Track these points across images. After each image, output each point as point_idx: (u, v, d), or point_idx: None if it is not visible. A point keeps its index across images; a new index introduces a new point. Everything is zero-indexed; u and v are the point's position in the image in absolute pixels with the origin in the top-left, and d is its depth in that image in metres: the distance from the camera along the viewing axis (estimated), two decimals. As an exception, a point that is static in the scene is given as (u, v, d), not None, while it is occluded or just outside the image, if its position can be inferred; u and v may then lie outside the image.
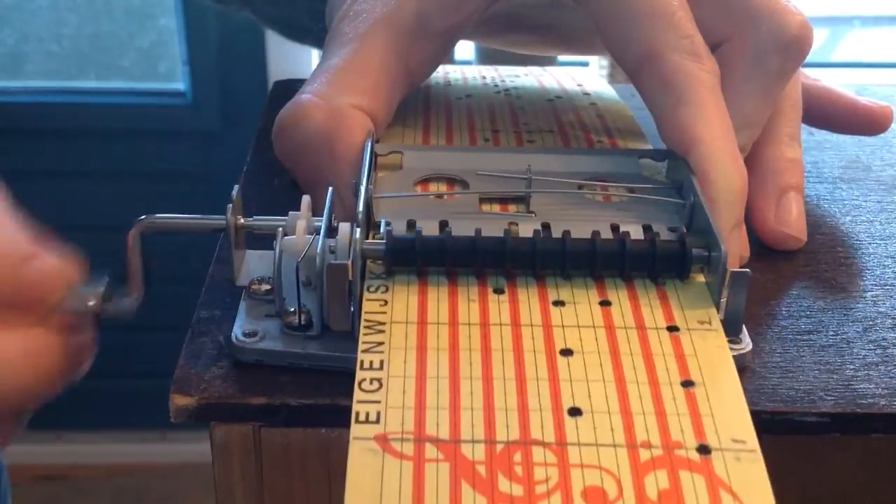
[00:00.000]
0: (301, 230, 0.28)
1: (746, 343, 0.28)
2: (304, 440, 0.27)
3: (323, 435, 0.27)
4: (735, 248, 0.30)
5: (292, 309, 0.28)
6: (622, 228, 0.30)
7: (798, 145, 0.37)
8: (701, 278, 0.29)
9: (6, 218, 0.28)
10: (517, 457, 0.22)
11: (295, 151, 0.33)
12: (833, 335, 0.30)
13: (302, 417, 0.27)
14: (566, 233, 0.28)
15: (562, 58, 1.16)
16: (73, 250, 0.29)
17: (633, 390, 0.24)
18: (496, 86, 0.43)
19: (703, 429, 0.23)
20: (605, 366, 0.25)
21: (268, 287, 0.30)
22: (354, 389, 0.24)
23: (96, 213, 1.32)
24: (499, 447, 0.23)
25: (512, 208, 0.31)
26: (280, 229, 0.28)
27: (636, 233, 0.30)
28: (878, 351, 0.30)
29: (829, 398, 0.28)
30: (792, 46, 0.34)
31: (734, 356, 0.27)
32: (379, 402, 0.24)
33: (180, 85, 1.44)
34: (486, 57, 1.15)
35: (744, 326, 0.28)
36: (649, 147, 0.37)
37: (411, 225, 0.30)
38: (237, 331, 0.28)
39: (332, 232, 0.28)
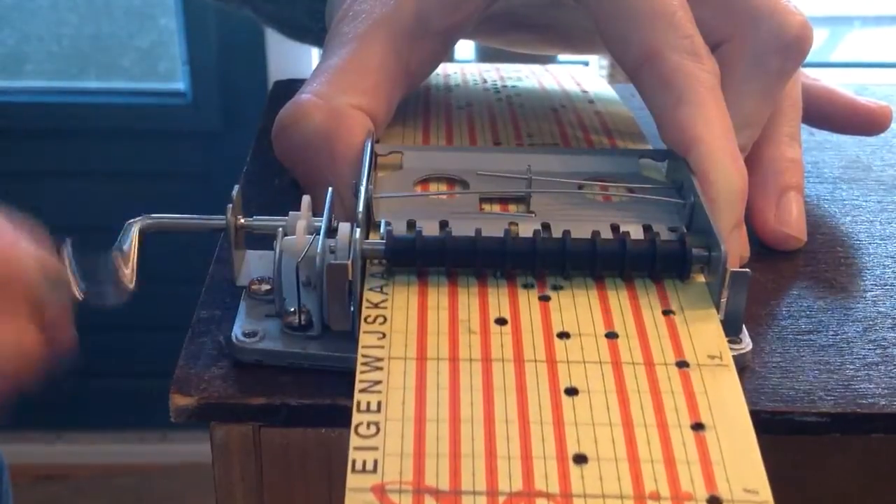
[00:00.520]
0: (301, 230, 0.28)
1: (746, 343, 0.28)
2: (304, 440, 0.27)
3: (323, 435, 0.27)
4: (735, 248, 0.30)
5: (292, 309, 0.28)
6: (622, 228, 0.30)
7: (798, 145, 0.37)
8: (701, 278, 0.28)
9: None
10: None
11: (295, 151, 0.33)
12: (833, 335, 0.30)
13: (302, 417, 0.27)
14: (566, 233, 0.28)
15: (562, 57, 1.16)
16: (52, 239, 0.28)
17: (640, 434, 0.23)
18: (497, 91, 0.42)
19: (714, 478, 0.22)
20: (611, 408, 0.24)
21: (268, 287, 0.30)
22: (351, 435, 0.23)
23: (96, 213, 1.32)
24: (501, 499, 0.22)
25: (512, 208, 0.31)
26: (280, 229, 0.28)
27: (636, 233, 0.30)
28: (878, 351, 0.30)
29: (829, 398, 0.28)
30: (792, 46, 0.34)
31: (734, 356, 0.27)
32: (377, 448, 0.23)
33: (180, 85, 1.44)
34: (486, 56, 1.15)
35: (744, 326, 0.28)
36: (649, 147, 0.37)
37: (411, 225, 0.29)
38: (237, 331, 0.28)
39: (332, 232, 0.28)
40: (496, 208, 0.31)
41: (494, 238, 0.28)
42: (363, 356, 0.25)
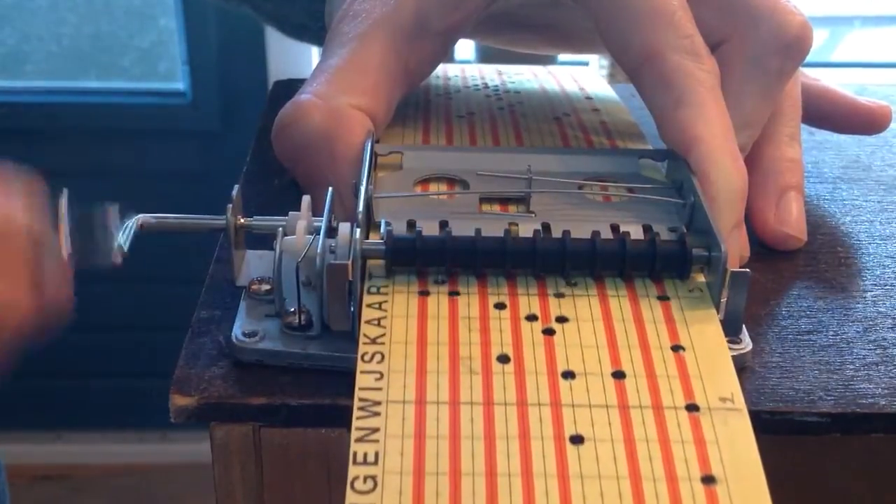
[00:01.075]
0: (301, 230, 0.28)
1: (746, 343, 0.28)
2: (304, 440, 0.27)
3: (323, 435, 0.27)
4: (735, 248, 0.30)
5: (292, 309, 0.28)
6: (622, 228, 0.30)
7: (798, 145, 0.37)
8: (701, 278, 0.28)
9: None
10: None
11: (295, 151, 0.33)
12: (833, 335, 0.30)
13: (302, 417, 0.27)
14: (566, 233, 0.28)
15: (562, 57, 1.16)
16: (54, 193, 0.28)
17: (648, 489, 0.22)
18: (499, 99, 0.41)
19: None
20: (618, 458, 0.23)
21: (268, 287, 0.30)
22: (346, 490, 0.22)
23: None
24: None
25: (512, 208, 0.31)
26: (280, 229, 0.28)
27: (636, 233, 0.30)
28: (878, 351, 0.30)
29: (829, 398, 0.28)
30: (792, 46, 0.34)
31: (734, 356, 0.27)
32: None
33: (180, 85, 1.44)
34: (486, 56, 1.15)
35: (744, 326, 0.28)
36: (649, 147, 0.37)
37: (411, 225, 0.29)
38: (237, 331, 0.28)
39: (332, 232, 0.28)
40: (496, 208, 0.31)
41: (494, 238, 0.28)
42: (360, 399, 0.24)
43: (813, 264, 0.34)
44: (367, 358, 0.25)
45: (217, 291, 0.31)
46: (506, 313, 0.27)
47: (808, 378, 0.28)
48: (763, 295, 0.32)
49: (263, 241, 0.30)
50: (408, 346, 0.26)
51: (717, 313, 0.27)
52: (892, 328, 0.31)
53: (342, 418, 0.26)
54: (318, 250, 0.27)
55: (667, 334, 0.26)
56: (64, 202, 0.28)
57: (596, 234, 0.28)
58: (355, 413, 0.24)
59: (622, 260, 0.28)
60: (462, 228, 0.29)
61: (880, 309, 0.32)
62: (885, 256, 0.35)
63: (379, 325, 0.26)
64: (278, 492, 0.28)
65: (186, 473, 1.52)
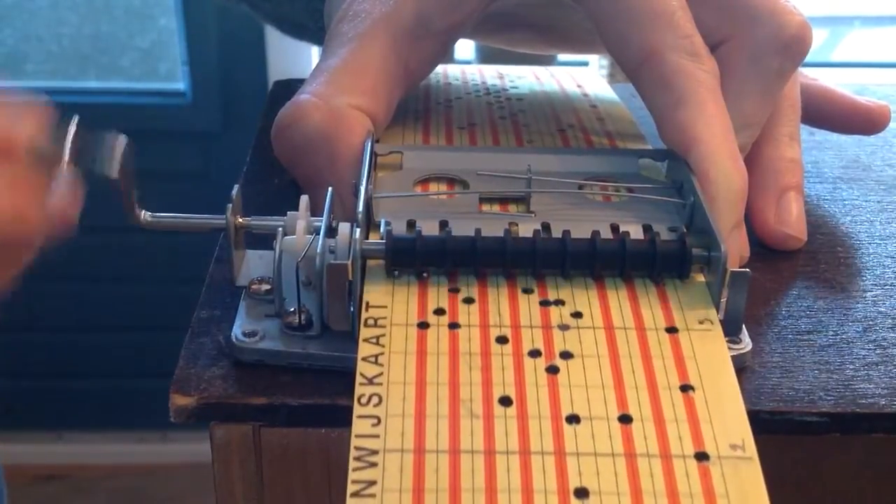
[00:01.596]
0: (301, 230, 0.28)
1: (746, 343, 0.28)
2: (304, 440, 0.27)
3: (323, 435, 0.27)
4: (735, 248, 0.30)
5: (292, 309, 0.28)
6: (622, 228, 0.30)
7: (798, 145, 0.37)
8: (701, 278, 0.28)
9: None
10: None
11: (294, 152, 0.33)
12: (833, 335, 0.30)
13: (302, 417, 0.27)
14: (566, 233, 0.28)
15: (562, 57, 1.16)
16: (41, 100, 0.28)
17: None
18: (501, 108, 0.40)
19: None
20: None
21: (268, 287, 0.30)
22: None
23: (96, 214, 1.32)
24: None
25: (512, 208, 0.31)
26: (280, 229, 0.28)
27: (636, 233, 0.30)
28: (878, 351, 0.30)
29: (829, 398, 0.28)
30: (791, 47, 0.34)
31: (733, 356, 0.27)
32: None
33: (180, 85, 1.44)
34: (486, 56, 1.15)
35: (744, 326, 0.28)
36: (649, 147, 0.37)
37: (411, 225, 0.29)
38: (237, 331, 0.28)
39: (331, 232, 0.28)
40: (496, 208, 0.31)
41: (494, 238, 0.28)
42: (356, 448, 0.23)
43: (813, 264, 0.34)
44: (363, 400, 0.24)
45: (217, 291, 0.31)
46: (508, 348, 0.26)
47: (808, 378, 0.28)
48: (763, 295, 0.32)
49: (263, 241, 0.30)
50: (406, 387, 0.24)
51: (718, 313, 0.27)
52: (892, 328, 0.31)
53: (342, 418, 0.26)
54: (318, 250, 0.27)
55: (675, 372, 0.25)
56: (74, 120, 0.28)
57: (596, 233, 0.28)
58: (351, 464, 0.23)
59: (622, 260, 0.28)
60: (462, 228, 0.29)
61: (880, 309, 0.32)
62: (885, 256, 0.35)
63: (376, 362, 0.25)
64: (278, 492, 0.28)
65: (186, 473, 1.52)
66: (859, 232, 0.37)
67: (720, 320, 0.27)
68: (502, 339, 0.26)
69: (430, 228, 0.29)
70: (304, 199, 0.29)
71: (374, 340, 0.26)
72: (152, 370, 1.07)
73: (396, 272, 0.28)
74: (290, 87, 0.46)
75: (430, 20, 0.34)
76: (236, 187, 0.30)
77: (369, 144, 0.32)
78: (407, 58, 0.34)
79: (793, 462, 0.28)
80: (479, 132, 0.38)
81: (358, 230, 0.27)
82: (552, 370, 0.25)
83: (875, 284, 0.33)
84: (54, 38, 1.41)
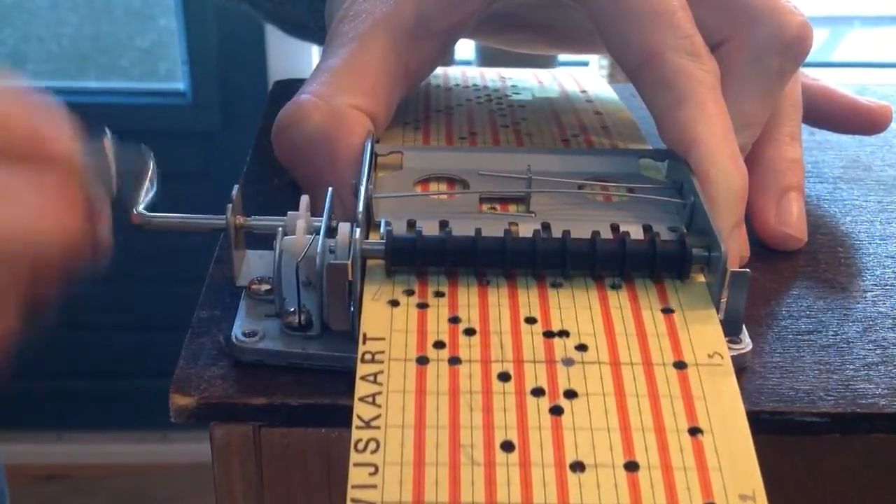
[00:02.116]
0: (301, 230, 0.28)
1: (746, 343, 0.28)
2: (304, 440, 0.27)
3: (323, 435, 0.27)
4: (735, 248, 0.30)
5: (292, 309, 0.28)
6: (622, 228, 0.30)
7: (799, 145, 0.37)
8: (701, 278, 0.28)
9: (34, 94, 0.28)
10: None
11: (294, 152, 0.33)
12: (833, 335, 0.30)
13: (302, 417, 0.27)
14: (566, 233, 0.28)
15: (562, 57, 1.16)
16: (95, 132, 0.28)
17: None
18: (504, 116, 0.39)
19: None
20: None
21: (268, 287, 0.30)
22: None
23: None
24: None
25: (512, 208, 0.31)
26: (280, 229, 0.28)
27: (636, 233, 0.30)
28: (878, 351, 0.30)
29: (829, 398, 0.28)
30: (792, 47, 0.34)
31: (733, 356, 0.27)
32: None
33: (180, 85, 1.44)
34: (486, 56, 1.15)
35: (744, 326, 0.28)
36: (649, 147, 0.37)
37: (411, 225, 0.29)
38: (237, 331, 0.28)
39: (331, 232, 0.28)
40: (496, 208, 0.31)
41: (494, 238, 0.28)
42: (352, 500, 0.22)
43: (813, 264, 0.34)
44: (360, 447, 0.23)
45: (217, 291, 0.31)
46: (510, 386, 0.24)
47: (808, 378, 0.28)
48: (763, 295, 0.32)
49: (263, 241, 0.30)
50: (405, 431, 0.23)
51: (717, 313, 0.27)
52: (892, 328, 0.31)
53: (342, 418, 0.26)
54: (318, 250, 0.27)
55: (684, 414, 0.24)
56: (109, 140, 0.28)
57: (596, 233, 0.28)
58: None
59: (622, 260, 0.28)
60: (462, 228, 0.29)
61: (880, 309, 0.32)
62: (885, 256, 0.35)
63: (374, 403, 0.24)
64: (278, 492, 0.28)
65: (186, 473, 1.52)
66: (859, 232, 0.37)
67: (720, 320, 0.27)
68: (504, 376, 0.25)
69: (430, 228, 0.29)
70: (304, 199, 0.29)
71: (371, 378, 0.25)
72: (152, 370, 1.07)
73: (396, 272, 0.28)
74: (290, 87, 0.46)
75: (431, 20, 0.34)
76: (236, 187, 0.30)
77: (369, 144, 0.32)
78: (407, 58, 0.34)
79: (793, 462, 0.28)
80: (479, 141, 0.38)
81: (358, 230, 0.27)
82: (556, 411, 0.24)
83: (875, 284, 0.33)
84: (54, 38, 1.41)
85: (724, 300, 0.27)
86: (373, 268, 0.28)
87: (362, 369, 0.25)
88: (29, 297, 0.26)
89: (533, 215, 0.31)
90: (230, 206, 0.29)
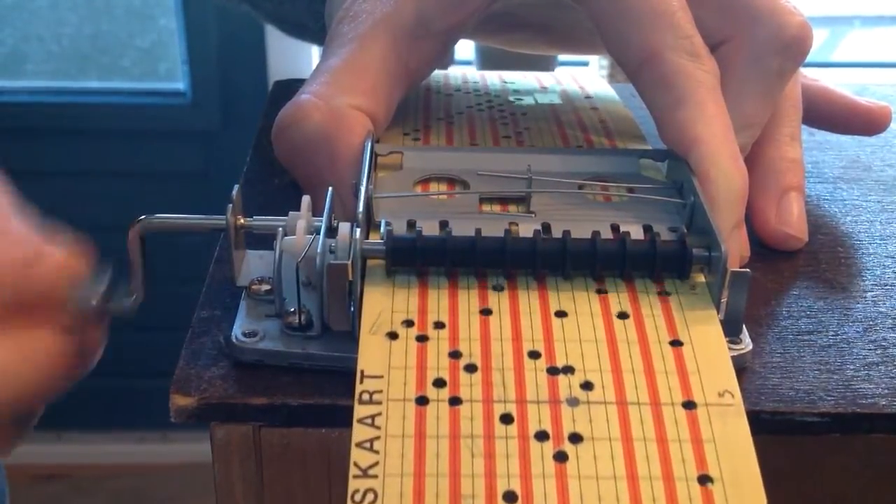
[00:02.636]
0: (301, 230, 0.28)
1: (746, 343, 0.28)
2: (304, 440, 0.27)
3: (323, 435, 0.27)
4: (735, 248, 0.30)
5: (292, 309, 0.28)
6: (622, 228, 0.30)
7: (799, 145, 0.37)
8: (701, 278, 0.28)
9: (11, 218, 0.28)
10: None
11: (294, 152, 0.33)
12: (833, 335, 0.30)
13: (302, 417, 0.27)
14: (566, 233, 0.28)
15: (562, 57, 1.16)
16: (80, 242, 0.28)
17: None
18: (506, 125, 0.38)
19: None
20: None
21: (268, 287, 0.30)
22: None
23: (96, 213, 1.32)
24: None
25: (512, 208, 0.31)
26: (280, 229, 0.28)
27: (636, 233, 0.30)
28: (878, 351, 0.30)
29: (829, 398, 0.28)
30: (792, 47, 0.34)
31: (733, 357, 0.27)
32: None
33: (180, 85, 1.44)
34: (486, 56, 1.15)
35: (744, 326, 0.28)
36: (649, 147, 0.37)
37: (411, 225, 0.29)
38: (237, 331, 0.28)
39: (332, 232, 0.28)
40: (496, 208, 0.31)
41: (494, 238, 0.28)
42: None
43: (813, 264, 0.34)
44: (357, 497, 0.22)
45: (217, 291, 0.31)
46: (513, 430, 0.23)
47: (808, 378, 0.28)
48: (763, 295, 0.32)
49: (263, 241, 0.30)
50: (404, 481, 0.22)
51: (718, 313, 0.27)
52: (892, 328, 0.31)
53: (342, 418, 0.26)
54: (318, 250, 0.27)
55: (693, 460, 0.23)
56: (109, 273, 0.29)
57: (596, 234, 0.28)
58: None
59: (622, 260, 0.28)
60: (462, 228, 0.29)
61: (880, 309, 0.32)
62: (885, 256, 0.35)
63: (371, 448, 0.23)
64: (278, 491, 0.28)
65: (186, 473, 1.52)
66: (859, 232, 0.37)
67: (720, 320, 0.27)
68: (507, 418, 0.24)
69: (430, 228, 0.29)
70: (305, 200, 0.29)
71: (368, 421, 0.23)
72: (152, 370, 1.07)
73: (396, 273, 0.28)
74: (290, 87, 0.46)
75: (431, 20, 0.34)
76: (236, 187, 0.30)
77: (369, 144, 0.32)
78: (407, 58, 0.34)
79: (793, 462, 0.28)
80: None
81: (358, 230, 0.27)
82: (560, 457, 0.23)
83: (875, 284, 0.33)
84: (54, 38, 1.41)
85: (724, 300, 0.27)
86: (373, 268, 0.28)
87: (360, 411, 0.24)
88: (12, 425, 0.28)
89: (533, 215, 0.31)
90: (230, 206, 0.29)
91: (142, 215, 0.29)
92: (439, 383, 0.24)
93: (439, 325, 0.26)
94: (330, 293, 0.27)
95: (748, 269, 0.27)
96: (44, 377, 0.27)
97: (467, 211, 0.31)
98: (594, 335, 0.26)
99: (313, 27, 0.50)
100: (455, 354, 0.25)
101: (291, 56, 1.39)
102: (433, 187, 0.33)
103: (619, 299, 0.27)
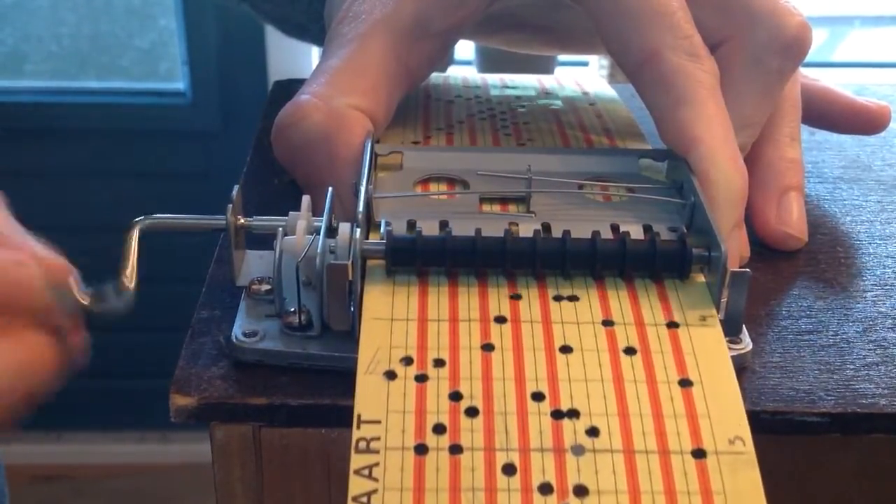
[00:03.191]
0: (301, 230, 0.28)
1: (746, 343, 0.28)
2: (304, 440, 0.27)
3: (323, 435, 0.27)
4: (735, 247, 0.30)
5: (292, 309, 0.28)
6: (622, 228, 0.30)
7: (799, 145, 0.37)
8: (701, 278, 0.28)
9: None
10: None
11: (294, 152, 0.33)
12: (833, 335, 0.30)
13: (302, 417, 0.27)
14: (566, 233, 0.28)
15: (562, 57, 1.16)
16: (60, 250, 0.28)
17: None
18: (508, 137, 0.38)
19: None
20: None
21: (268, 287, 0.30)
22: None
23: (96, 213, 1.32)
24: None
25: (512, 208, 0.31)
26: (280, 229, 0.28)
27: (636, 233, 0.30)
28: (878, 351, 0.30)
29: (829, 398, 0.28)
30: (791, 47, 0.34)
31: (733, 356, 0.26)
32: None
33: (180, 85, 1.44)
34: (486, 56, 1.15)
35: (744, 326, 0.28)
36: (649, 147, 0.37)
37: (411, 225, 0.30)
38: (237, 331, 0.28)
39: (332, 232, 0.28)
40: (496, 208, 0.31)
41: (494, 238, 0.28)
42: None
43: (813, 264, 0.34)
44: None
45: (217, 291, 0.31)
46: (515, 482, 0.22)
47: (808, 378, 0.28)
48: (763, 295, 0.32)
49: (263, 241, 0.30)
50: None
51: (717, 313, 0.27)
52: (892, 328, 0.31)
53: (342, 418, 0.26)
54: (318, 250, 0.27)
55: (697, 483, 0.22)
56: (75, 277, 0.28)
57: (596, 234, 0.28)
58: None
59: (622, 260, 0.28)
60: (462, 228, 0.29)
61: (880, 309, 0.32)
62: (885, 256, 0.35)
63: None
64: (278, 492, 0.28)
65: (186, 473, 1.52)
66: (859, 232, 0.37)
67: (720, 320, 0.27)
68: (509, 469, 0.23)
69: (430, 228, 0.29)
70: (305, 200, 0.29)
71: (366, 473, 0.22)
72: (152, 370, 1.07)
73: (396, 272, 0.28)
74: (290, 87, 0.46)
75: (430, 21, 0.34)
76: (236, 187, 0.30)
77: (369, 144, 0.32)
78: (407, 58, 0.34)
79: (793, 462, 0.28)
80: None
81: (358, 230, 0.27)
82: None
83: (875, 284, 0.33)
84: (54, 38, 1.41)
85: (724, 300, 0.27)
86: (373, 268, 0.28)
87: (356, 461, 0.23)
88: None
89: (533, 215, 0.31)
90: (230, 206, 0.29)
91: (142, 215, 0.29)
92: (439, 429, 0.23)
93: (439, 363, 0.25)
94: (330, 293, 0.27)
95: (748, 269, 0.27)
96: (28, 380, 0.27)
97: (467, 211, 0.31)
98: (600, 374, 0.25)
99: (313, 28, 0.50)
100: (455, 396, 0.24)
101: (291, 56, 1.39)
102: (433, 187, 0.33)
103: (626, 332, 0.26)
